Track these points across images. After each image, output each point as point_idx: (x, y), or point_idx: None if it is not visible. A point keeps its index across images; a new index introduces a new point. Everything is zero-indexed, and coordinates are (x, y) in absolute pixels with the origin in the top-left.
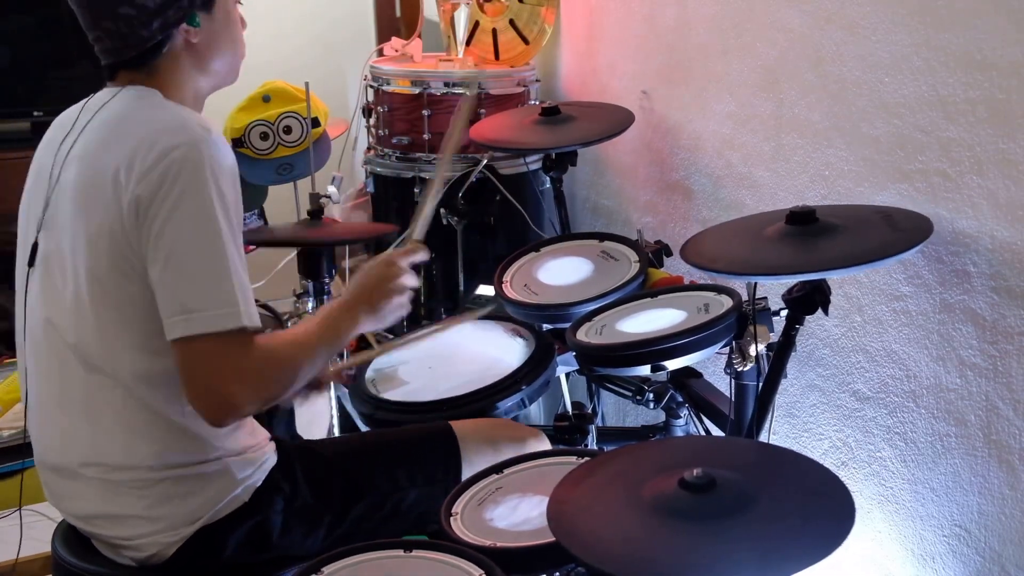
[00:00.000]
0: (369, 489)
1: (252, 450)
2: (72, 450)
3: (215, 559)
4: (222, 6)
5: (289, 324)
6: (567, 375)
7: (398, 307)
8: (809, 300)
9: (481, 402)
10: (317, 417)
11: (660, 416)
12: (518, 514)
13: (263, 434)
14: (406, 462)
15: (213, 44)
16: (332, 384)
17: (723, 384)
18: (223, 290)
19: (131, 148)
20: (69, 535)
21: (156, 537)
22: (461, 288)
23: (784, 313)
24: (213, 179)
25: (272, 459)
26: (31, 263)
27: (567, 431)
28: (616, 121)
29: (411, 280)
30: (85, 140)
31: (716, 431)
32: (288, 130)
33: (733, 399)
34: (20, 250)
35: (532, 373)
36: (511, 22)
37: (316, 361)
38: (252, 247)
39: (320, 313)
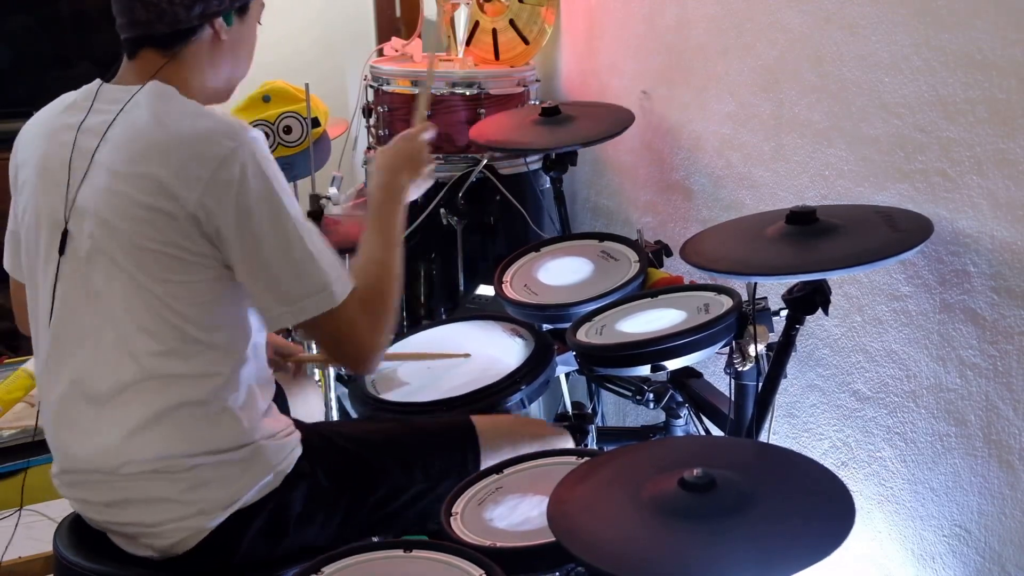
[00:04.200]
0: (387, 479)
1: (282, 434)
2: (105, 453)
3: (233, 550)
4: (252, 17)
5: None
6: (567, 375)
7: (429, 172)
8: (809, 300)
9: (480, 402)
10: (309, 406)
11: (660, 416)
12: (518, 514)
13: (285, 419)
14: (425, 454)
15: (234, 48)
16: (333, 381)
17: (723, 384)
18: (314, 276)
19: (177, 157)
20: (72, 534)
21: (187, 522)
22: (461, 288)
23: (784, 313)
24: (271, 170)
25: (299, 448)
26: (62, 251)
27: (567, 431)
28: (616, 121)
29: (424, 135)
30: (117, 146)
31: (716, 431)
32: (288, 130)
33: (733, 399)
34: (33, 242)
35: (531, 373)
36: (511, 22)
37: (396, 259)
38: None
39: (369, 218)
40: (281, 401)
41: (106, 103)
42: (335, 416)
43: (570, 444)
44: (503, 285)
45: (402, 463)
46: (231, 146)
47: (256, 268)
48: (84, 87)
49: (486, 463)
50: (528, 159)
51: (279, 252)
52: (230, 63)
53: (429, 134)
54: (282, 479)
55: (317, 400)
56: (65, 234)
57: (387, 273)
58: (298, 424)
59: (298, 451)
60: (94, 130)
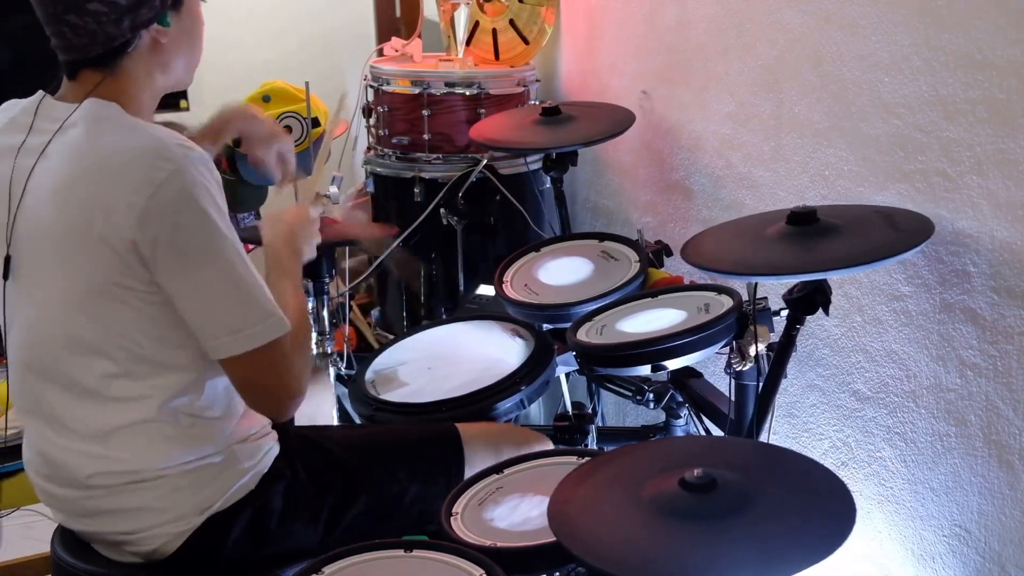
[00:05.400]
0: (370, 483)
1: (257, 436)
2: (75, 468)
3: (217, 552)
4: (190, 6)
5: None
6: (567, 375)
7: (314, 238)
8: (810, 300)
9: (481, 403)
10: (319, 412)
11: (660, 416)
12: (518, 514)
13: (263, 419)
14: (409, 459)
15: (178, 44)
16: (333, 381)
17: (723, 384)
18: (261, 303)
19: (112, 185)
20: (68, 536)
21: (164, 528)
22: (461, 288)
23: (784, 313)
24: (208, 197)
25: (276, 447)
26: (5, 275)
27: (567, 431)
28: (616, 121)
29: (314, 211)
30: (54, 168)
31: (716, 431)
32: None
33: (733, 399)
34: None
35: (532, 373)
36: (511, 22)
37: (305, 306)
38: (251, 247)
39: (275, 280)
40: None
41: (46, 122)
42: (336, 416)
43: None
44: (503, 285)
45: (385, 469)
46: (168, 170)
47: (196, 297)
48: (28, 99)
49: (470, 472)
50: (528, 159)
51: (221, 280)
52: (179, 57)
53: (316, 211)
54: (258, 479)
55: (328, 395)
56: (8, 259)
57: (304, 317)
58: (276, 425)
59: (275, 450)
60: (32, 151)
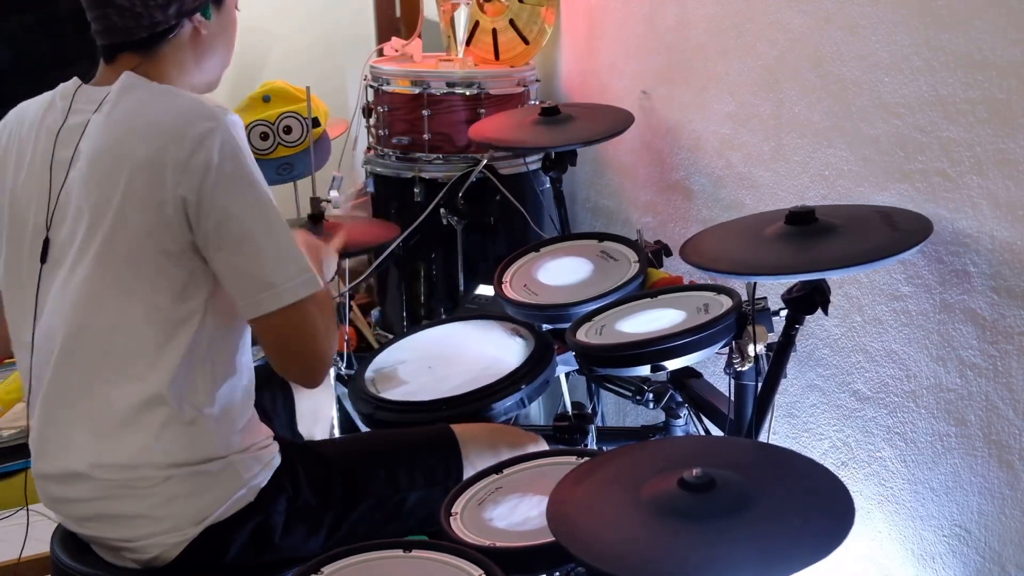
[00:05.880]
0: (370, 491)
1: (256, 447)
2: (80, 453)
3: (218, 561)
4: (230, 5)
5: None
6: (567, 375)
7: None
8: (809, 300)
9: (481, 401)
10: (320, 409)
11: (660, 416)
12: (518, 514)
13: (266, 431)
14: (407, 464)
15: (215, 39)
16: (332, 380)
17: (723, 384)
18: (297, 259)
19: (156, 143)
20: (67, 537)
21: (161, 538)
22: (461, 288)
23: (784, 313)
24: (247, 154)
25: (277, 459)
26: (43, 259)
27: (567, 431)
28: (616, 121)
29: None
30: (94, 140)
31: (716, 431)
32: (288, 130)
33: (733, 399)
34: (16, 247)
35: (532, 372)
36: (511, 22)
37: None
38: None
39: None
40: (288, 409)
41: (85, 103)
42: (336, 416)
43: (545, 449)
44: (503, 285)
45: (386, 473)
46: (209, 126)
47: (236, 252)
48: (61, 86)
49: (468, 472)
50: (528, 159)
51: (261, 234)
52: (215, 54)
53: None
54: (257, 493)
55: (328, 402)
56: (46, 242)
57: (327, 290)
58: (277, 437)
59: (276, 462)
60: (73, 131)
